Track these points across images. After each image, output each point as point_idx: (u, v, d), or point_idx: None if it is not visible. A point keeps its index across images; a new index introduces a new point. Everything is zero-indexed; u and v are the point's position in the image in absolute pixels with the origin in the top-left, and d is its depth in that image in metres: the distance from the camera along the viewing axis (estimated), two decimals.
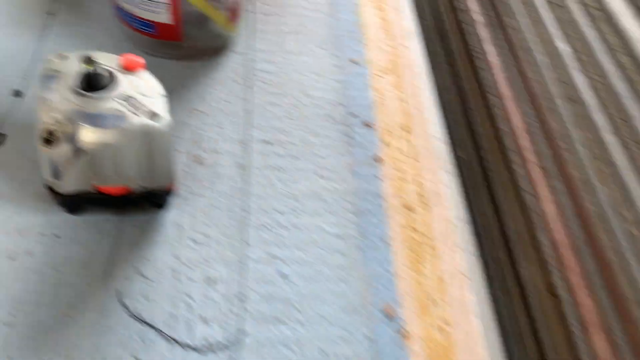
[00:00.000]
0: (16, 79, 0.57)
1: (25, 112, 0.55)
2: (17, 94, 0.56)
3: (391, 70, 0.65)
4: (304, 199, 0.52)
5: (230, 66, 0.62)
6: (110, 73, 0.42)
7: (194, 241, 0.48)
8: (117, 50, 0.62)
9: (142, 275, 0.45)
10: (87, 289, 0.44)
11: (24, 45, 0.60)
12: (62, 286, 0.44)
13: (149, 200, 0.47)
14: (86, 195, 0.45)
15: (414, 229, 0.51)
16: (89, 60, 0.41)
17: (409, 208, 0.53)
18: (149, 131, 0.41)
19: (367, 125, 0.59)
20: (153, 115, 0.42)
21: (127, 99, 0.42)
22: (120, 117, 0.41)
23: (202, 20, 0.60)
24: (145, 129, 0.41)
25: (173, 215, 0.49)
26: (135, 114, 0.41)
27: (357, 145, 0.57)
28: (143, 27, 0.58)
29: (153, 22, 0.57)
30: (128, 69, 0.44)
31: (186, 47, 0.60)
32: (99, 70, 0.41)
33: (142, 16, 0.57)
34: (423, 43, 0.72)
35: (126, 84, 0.43)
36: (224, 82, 0.61)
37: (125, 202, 0.46)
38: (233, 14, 0.61)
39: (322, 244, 0.49)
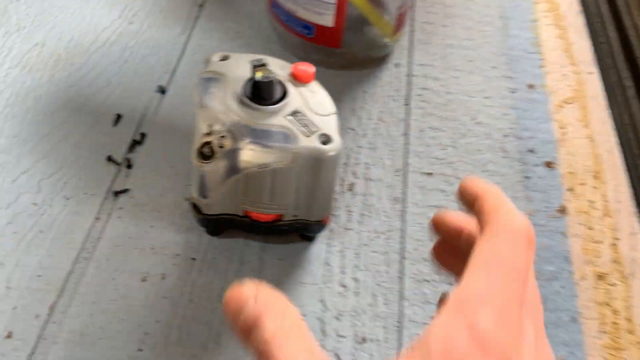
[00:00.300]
0: (162, 73, 0.53)
1: (167, 111, 0.50)
2: (161, 90, 0.51)
3: (575, 101, 0.55)
4: None
5: (386, 80, 0.55)
6: (282, 83, 0.36)
7: (344, 286, 0.40)
8: (265, 50, 0.56)
9: None
10: (221, 327, 0.38)
11: (171, 38, 0.56)
12: (194, 320, 0.38)
13: (299, 231, 0.41)
14: (232, 218, 0.39)
15: (611, 308, 0.41)
16: (261, 67, 0.35)
17: (603, 279, 0.42)
18: (318, 157, 0.35)
19: (549, 165, 0.49)
20: (325, 137, 0.35)
21: (297, 115, 0.35)
22: (288, 136, 0.34)
23: (360, 26, 0.53)
24: (315, 153, 0.34)
25: (320, 251, 0.42)
26: (305, 134, 0.34)
27: (536, 189, 0.47)
28: (300, 29, 0.52)
29: (313, 23, 0.50)
30: (299, 80, 0.37)
31: (342, 54, 0.54)
32: (272, 79, 0.34)
33: (303, 16, 0.50)
34: (601, 71, 0.60)
35: (296, 97, 0.36)
36: (379, 98, 0.53)
37: (272, 230, 0.40)
38: (398, 21, 0.54)
39: None
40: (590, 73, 0.58)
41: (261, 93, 0.35)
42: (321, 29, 0.51)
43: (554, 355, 0.21)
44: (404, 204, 0.46)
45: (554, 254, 0.43)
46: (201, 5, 0.60)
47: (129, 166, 0.46)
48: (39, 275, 0.39)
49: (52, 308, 0.38)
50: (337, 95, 0.52)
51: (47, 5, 0.57)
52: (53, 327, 0.37)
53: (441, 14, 0.62)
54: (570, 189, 0.48)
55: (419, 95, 0.54)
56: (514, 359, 0.17)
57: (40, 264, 0.40)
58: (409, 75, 0.55)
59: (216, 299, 0.39)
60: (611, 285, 0.42)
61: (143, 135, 0.48)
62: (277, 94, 0.35)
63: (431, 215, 0.45)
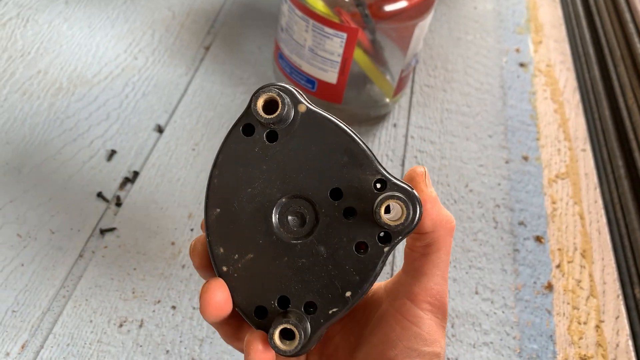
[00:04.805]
0: (162, 112, 0.53)
1: (162, 151, 0.50)
2: (159, 129, 0.51)
3: (567, 176, 0.56)
4: (458, 321, 0.43)
5: (384, 139, 0.55)
6: None
7: None
8: None
9: None
10: None
11: (175, 77, 0.56)
12: None
13: None
14: None
15: None
16: None
17: None
18: None
19: (538, 240, 0.49)
20: None
21: None
22: None
23: (362, 83, 0.54)
24: None
25: None
26: None
27: (524, 264, 0.47)
28: (303, 82, 0.52)
29: (317, 79, 0.51)
30: None
31: (342, 110, 0.54)
32: None
33: (307, 71, 0.51)
34: (594, 148, 0.62)
35: None
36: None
37: None
38: (400, 82, 0.55)
39: None
40: (583, 150, 0.59)
41: None
42: (324, 84, 0.51)
43: None
44: (392, 267, 0.45)
45: (539, 332, 0.43)
46: (207, 48, 0.60)
47: (119, 204, 0.45)
48: (14, 311, 0.38)
49: (23, 347, 0.36)
50: None
51: (54, 34, 0.58)
52: None
53: (442, 78, 0.63)
54: (558, 266, 0.48)
55: (415, 157, 0.54)
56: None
57: (16, 300, 0.38)
58: (406, 136, 0.56)
59: (194, 351, 0.38)
60: None
61: (136, 173, 0.47)
62: None
63: None
